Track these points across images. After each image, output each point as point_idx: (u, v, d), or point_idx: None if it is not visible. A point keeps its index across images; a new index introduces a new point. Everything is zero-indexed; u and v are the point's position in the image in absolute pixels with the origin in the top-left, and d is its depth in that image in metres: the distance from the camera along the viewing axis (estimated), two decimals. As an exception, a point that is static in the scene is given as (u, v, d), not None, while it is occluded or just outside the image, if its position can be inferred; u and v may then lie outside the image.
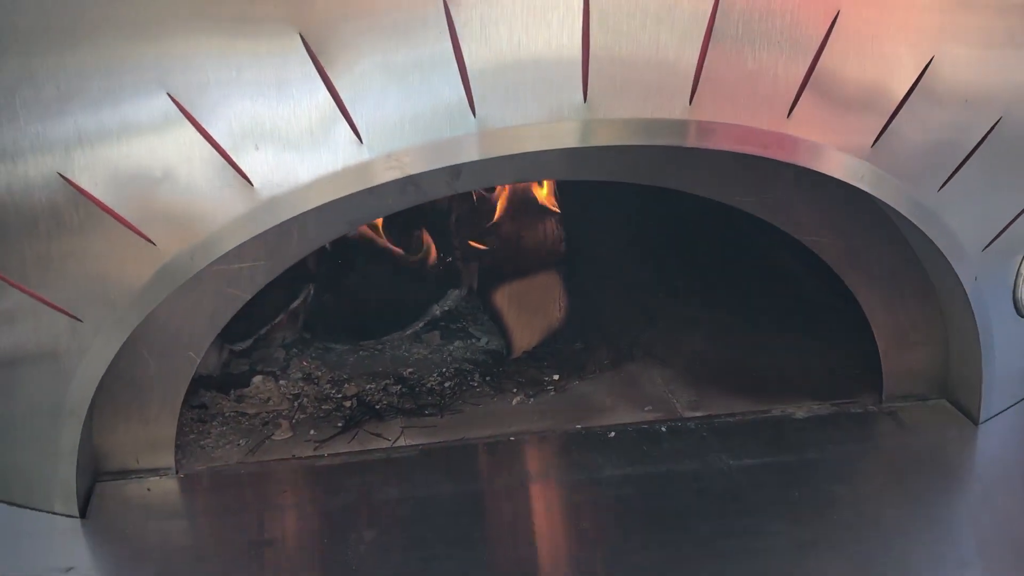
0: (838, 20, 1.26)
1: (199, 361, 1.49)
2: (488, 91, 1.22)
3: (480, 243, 1.96)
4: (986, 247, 1.50)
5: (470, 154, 1.26)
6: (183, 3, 1.17)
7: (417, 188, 1.46)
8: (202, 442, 1.62)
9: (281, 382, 1.79)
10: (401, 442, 1.62)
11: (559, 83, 1.23)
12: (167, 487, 1.50)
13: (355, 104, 1.21)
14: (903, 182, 1.39)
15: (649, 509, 1.44)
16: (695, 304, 2.06)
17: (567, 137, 1.27)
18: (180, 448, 1.56)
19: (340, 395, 1.76)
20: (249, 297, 1.47)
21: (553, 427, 1.65)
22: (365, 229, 1.91)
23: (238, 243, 1.27)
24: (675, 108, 1.26)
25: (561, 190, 2.02)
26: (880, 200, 1.41)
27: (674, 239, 2.28)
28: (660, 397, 1.74)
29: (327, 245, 1.80)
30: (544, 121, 1.25)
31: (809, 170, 1.36)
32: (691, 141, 1.31)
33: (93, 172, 1.21)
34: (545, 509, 1.51)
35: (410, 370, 1.84)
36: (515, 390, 1.77)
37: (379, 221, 1.91)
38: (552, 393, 1.76)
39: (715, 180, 1.54)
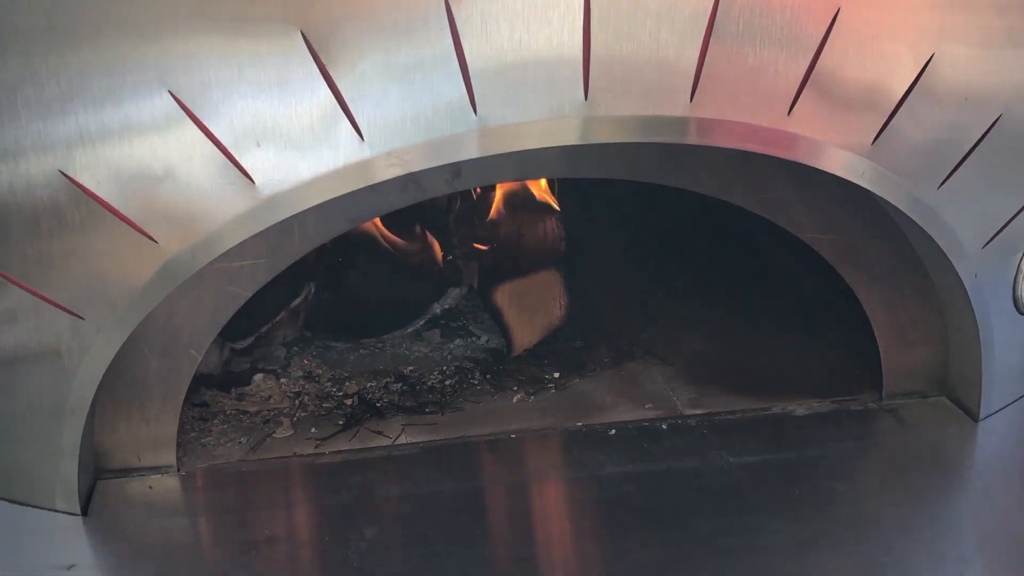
0: (838, 18, 1.26)
1: (200, 359, 1.49)
2: (489, 88, 1.22)
3: (480, 242, 1.96)
4: (986, 244, 1.50)
5: (471, 151, 1.26)
6: (184, 2, 1.17)
7: (418, 186, 1.47)
8: (203, 440, 1.62)
9: (282, 380, 1.79)
10: (402, 440, 1.62)
11: (560, 80, 1.23)
12: (169, 485, 1.50)
13: (356, 102, 1.21)
14: (903, 179, 1.39)
15: (649, 507, 1.44)
16: (695, 301, 2.07)
17: (568, 134, 1.27)
18: (181, 446, 1.56)
19: (341, 393, 1.76)
20: (250, 295, 1.48)
21: (554, 425, 1.65)
22: (366, 227, 1.91)
23: (239, 241, 1.27)
24: (676, 105, 1.27)
25: (562, 188, 2.02)
26: (880, 198, 1.41)
27: (674, 237, 2.28)
28: (660, 395, 1.74)
29: (328, 243, 1.80)
30: (545, 118, 1.25)
31: (809, 168, 1.36)
32: (692, 138, 1.31)
33: (95, 170, 1.21)
34: (546, 507, 1.51)
35: (411, 368, 1.84)
36: (516, 388, 1.77)
37: (379, 219, 1.92)
38: (553, 391, 1.76)
39: (715, 178, 1.54)
